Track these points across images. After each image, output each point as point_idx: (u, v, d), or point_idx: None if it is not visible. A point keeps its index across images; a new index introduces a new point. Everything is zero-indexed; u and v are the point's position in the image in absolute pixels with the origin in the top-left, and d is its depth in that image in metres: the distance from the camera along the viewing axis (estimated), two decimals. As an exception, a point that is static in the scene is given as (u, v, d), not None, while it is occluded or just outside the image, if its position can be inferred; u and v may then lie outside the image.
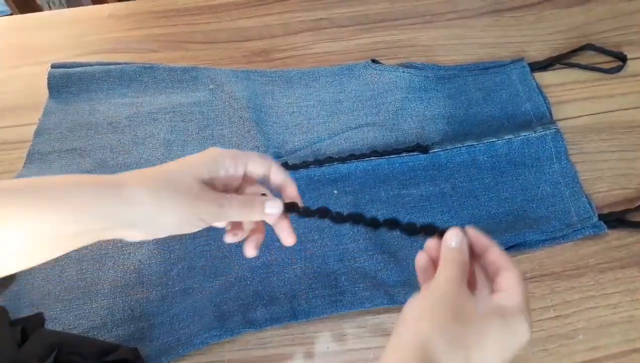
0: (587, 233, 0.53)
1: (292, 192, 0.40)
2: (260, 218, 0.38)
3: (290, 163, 0.57)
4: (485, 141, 0.58)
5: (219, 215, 0.36)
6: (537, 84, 0.64)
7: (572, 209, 0.54)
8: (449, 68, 0.66)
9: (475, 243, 0.35)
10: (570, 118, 0.62)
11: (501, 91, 0.64)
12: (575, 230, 0.53)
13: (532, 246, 0.53)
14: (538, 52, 0.68)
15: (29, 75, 0.68)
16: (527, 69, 0.65)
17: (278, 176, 0.39)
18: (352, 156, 0.57)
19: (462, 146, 0.58)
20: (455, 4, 0.74)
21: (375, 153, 0.58)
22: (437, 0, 0.74)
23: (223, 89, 0.65)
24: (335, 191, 0.56)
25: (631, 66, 0.66)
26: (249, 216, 0.37)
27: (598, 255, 0.53)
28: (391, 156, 0.58)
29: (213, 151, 0.37)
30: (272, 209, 0.37)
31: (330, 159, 0.57)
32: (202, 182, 0.35)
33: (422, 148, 0.58)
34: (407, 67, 0.66)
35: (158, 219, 0.34)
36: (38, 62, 0.69)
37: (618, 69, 0.66)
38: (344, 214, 0.39)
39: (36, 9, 1.26)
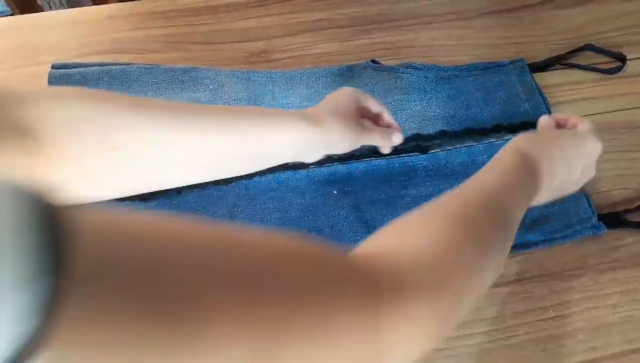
0: (587, 234, 0.53)
1: (391, 122, 0.53)
2: (387, 145, 0.52)
3: (289, 164, 0.57)
4: (485, 142, 0.58)
5: (368, 140, 0.50)
6: (536, 85, 0.64)
7: (572, 210, 0.54)
8: (448, 69, 0.66)
9: (559, 118, 0.51)
10: (570, 118, 0.62)
11: (501, 91, 0.64)
12: (574, 231, 0.53)
13: (531, 246, 0.53)
14: (537, 52, 0.68)
15: (29, 75, 0.68)
16: (527, 69, 0.65)
17: (386, 114, 0.52)
18: (352, 157, 0.57)
19: (462, 147, 0.58)
20: (454, 4, 0.74)
21: (375, 153, 0.58)
22: (437, 1, 0.74)
23: (223, 89, 0.65)
24: (335, 192, 0.57)
25: (631, 67, 0.67)
26: (381, 143, 0.51)
27: (598, 255, 0.53)
28: (391, 157, 0.58)
29: (351, 90, 0.50)
30: (398, 139, 0.51)
31: (330, 159, 0.57)
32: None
33: (422, 148, 0.59)
34: (406, 67, 0.66)
35: (340, 143, 0.47)
36: (38, 63, 0.69)
37: (617, 69, 0.66)
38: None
39: (36, 9, 1.26)
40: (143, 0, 0.75)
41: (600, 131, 0.60)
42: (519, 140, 0.43)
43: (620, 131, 0.61)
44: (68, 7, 1.15)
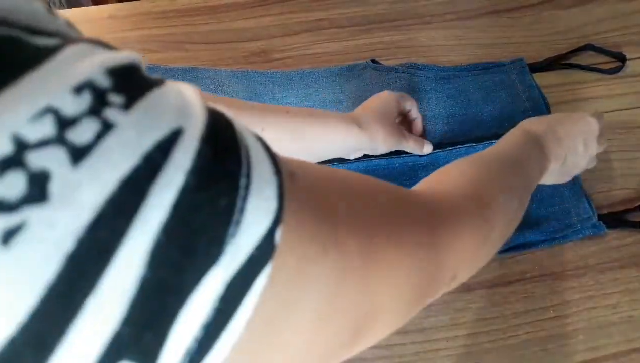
0: (587, 234, 0.53)
1: (421, 129, 0.60)
2: (418, 153, 0.57)
3: None
4: (485, 142, 0.58)
5: (404, 146, 0.55)
6: (536, 84, 0.64)
7: (572, 210, 0.54)
8: (448, 68, 0.66)
9: None
10: (570, 118, 0.62)
11: (501, 91, 0.64)
12: (575, 231, 0.53)
13: (532, 246, 0.53)
14: (537, 52, 0.68)
15: (28, 75, 0.68)
16: (527, 69, 0.65)
17: (419, 122, 0.59)
18: None
19: (462, 147, 0.58)
20: (454, 4, 0.74)
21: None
22: (436, 1, 0.74)
23: (223, 89, 0.65)
24: None
25: (630, 66, 0.67)
26: (415, 150, 0.56)
27: (598, 255, 0.53)
28: (391, 156, 0.58)
29: (391, 95, 0.55)
30: (429, 149, 0.57)
31: (329, 159, 0.57)
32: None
33: None
34: (406, 67, 0.66)
35: (381, 146, 0.53)
36: (37, 63, 0.68)
37: (617, 69, 0.66)
38: None
39: (36, 10, 1.26)
40: (143, 0, 0.75)
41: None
42: (524, 123, 0.49)
43: (620, 131, 0.61)
44: (68, 7, 1.15)
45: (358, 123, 0.51)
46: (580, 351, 0.47)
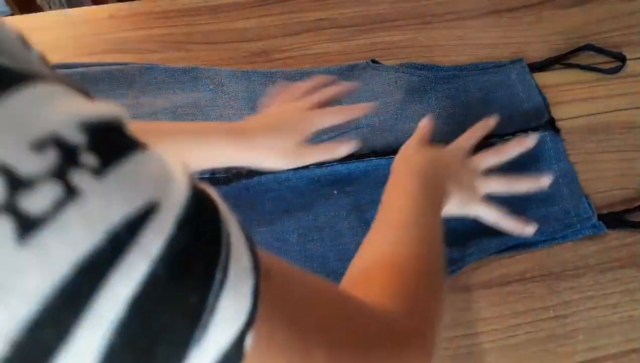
0: (587, 234, 0.53)
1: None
2: (332, 157, 0.53)
3: None
4: (485, 142, 0.58)
5: (309, 162, 0.52)
6: (536, 84, 0.64)
7: (572, 210, 0.54)
8: (448, 68, 0.66)
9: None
10: (570, 118, 0.62)
11: (500, 91, 0.64)
12: (574, 231, 0.53)
13: (531, 246, 0.53)
14: (537, 52, 0.68)
15: (29, 75, 0.68)
16: (527, 69, 0.65)
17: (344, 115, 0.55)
18: (352, 157, 0.57)
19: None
20: (454, 4, 0.74)
21: (375, 153, 0.58)
22: (436, 1, 0.74)
23: (223, 89, 0.65)
24: (335, 192, 0.57)
25: (630, 66, 0.67)
26: (326, 158, 0.52)
27: (597, 255, 0.53)
28: (391, 157, 0.58)
29: (298, 113, 0.52)
30: (343, 151, 0.52)
31: (329, 160, 0.57)
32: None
33: None
34: (406, 67, 0.66)
35: (277, 165, 0.50)
36: (38, 63, 0.68)
37: (617, 69, 0.66)
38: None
39: (36, 9, 1.26)
40: (143, 0, 0.75)
41: (600, 131, 0.61)
42: (404, 164, 0.50)
43: (619, 131, 0.61)
44: (68, 7, 1.15)
45: (244, 139, 0.49)
46: (580, 351, 0.48)
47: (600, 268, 0.52)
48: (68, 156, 0.12)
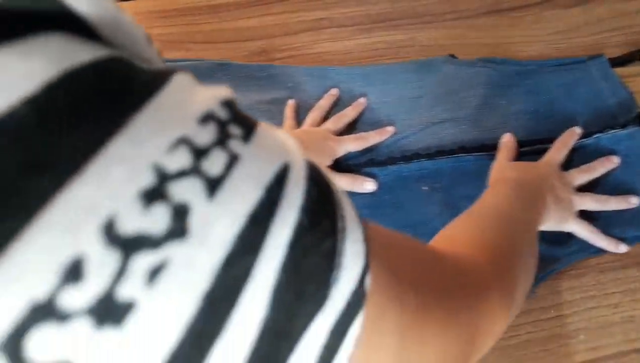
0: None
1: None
2: (359, 190, 0.55)
3: (376, 160, 0.57)
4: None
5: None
6: (620, 80, 0.63)
7: None
8: (527, 63, 0.65)
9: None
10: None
11: (582, 87, 0.63)
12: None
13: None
14: (538, 52, 0.68)
15: (29, 75, 0.68)
16: (608, 64, 0.64)
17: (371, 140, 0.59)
18: (440, 153, 0.57)
19: (551, 145, 0.57)
20: (455, 4, 0.74)
21: (463, 149, 0.57)
22: (437, 1, 0.74)
23: (300, 87, 0.64)
24: (426, 188, 0.56)
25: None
26: (352, 189, 0.54)
27: (599, 255, 0.53)
28: (479, 154, 0.57)
29: (324, 140, 0.54)
30: (371, 186, 0.55)
31: (417, 156, 0.57)
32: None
33: None
34: (485, 62, 0.65)
35: None
36: (38, 62, 0.68)
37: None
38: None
39: (36, 9, 1.26)
40: (143, 0, 0.75)
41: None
42: (499, 176, 0.52)
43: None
44: (68, 7, 1.15)
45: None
46: (581, 351, 0.47)
47: (601, 268, 0.52)
48: (223, 128, 0.15)
